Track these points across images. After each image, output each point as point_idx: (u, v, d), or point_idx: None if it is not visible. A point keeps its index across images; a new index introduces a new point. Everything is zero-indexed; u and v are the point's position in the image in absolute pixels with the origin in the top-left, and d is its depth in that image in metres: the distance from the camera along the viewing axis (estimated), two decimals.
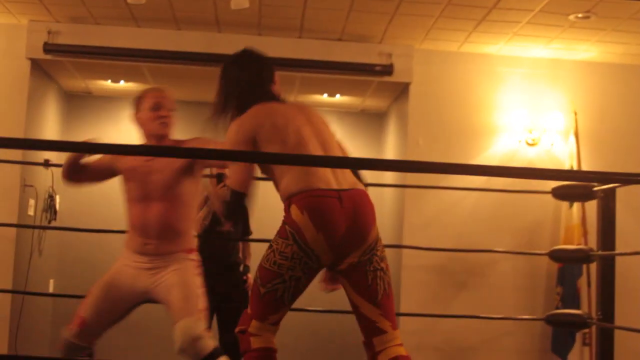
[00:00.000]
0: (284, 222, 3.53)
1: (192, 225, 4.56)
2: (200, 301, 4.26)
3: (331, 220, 3.46)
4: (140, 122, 4.52)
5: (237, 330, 3.61)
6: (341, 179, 3.56)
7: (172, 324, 4.17)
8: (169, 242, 4.37)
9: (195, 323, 4.12)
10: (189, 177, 4.42)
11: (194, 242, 4.55)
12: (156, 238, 4.35)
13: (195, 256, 4.50)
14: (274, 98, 3.85)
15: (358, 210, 3.52)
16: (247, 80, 3.87)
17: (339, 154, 3.76)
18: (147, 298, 4.38)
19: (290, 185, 3.54)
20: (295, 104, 3.95)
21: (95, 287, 4.37)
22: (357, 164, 3.53)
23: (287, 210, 3.54)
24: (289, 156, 3.52)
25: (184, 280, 4.30)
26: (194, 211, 4.58)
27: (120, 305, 4.33)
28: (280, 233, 3.53)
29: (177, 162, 4.36)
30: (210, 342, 4.16)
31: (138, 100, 4.57)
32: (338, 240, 3.47)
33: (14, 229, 7.23)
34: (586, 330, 7.16)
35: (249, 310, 3.60)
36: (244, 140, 3.65)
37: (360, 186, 3.63)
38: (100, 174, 4.62)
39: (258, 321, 3.56)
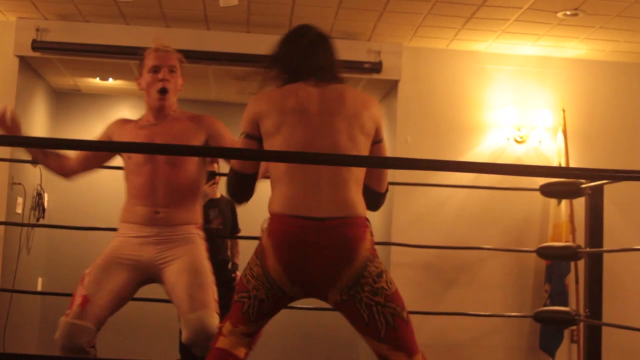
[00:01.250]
0: (260, 240, 3.25)
1: (199, 199, 4.20)
2: (214, 291, 3.92)
3: (294, 254, 3.14)
4: (142, 87, 4.15)
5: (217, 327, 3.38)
6: (329, 203, 3.17)
7: (181, 312, 3.84)
8: (178, 210, 4.02)
9: (212, 317, 3.79)
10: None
11: (201, 218, 4.21)
12: (166, 206, 3.99)
13: (202, 233, 4.16)
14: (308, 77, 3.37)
15: (334, 245, 3.13)
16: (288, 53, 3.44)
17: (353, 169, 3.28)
18: (152, 276, 4.01)
19: (272, 203, 3.25)
20: (328, 90, 3.35)
21: (94, 265, 3.98)
22: (345, 161, 3.41)
23: (264, 228, 3.25)
24: (262, 152, 3.30)
25: (197, 266, 3.95)
26: (200, 185, 4.19)
27: (123, 280, 3.93)
28: (256, 250, 3.27)
29: (183, 127, 4.06)
30: None
31: (140, 63, 4.20)
32: (301, 277, 3.16)
33: (2, 227, 7.21)
34: (574, 328, 7.19)
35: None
36: (247, 125, 3.32)
37: (355, 212, 3.20)
38: (97, 158, 4.23)
39: (231, 325, 3.29)
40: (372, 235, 3.24)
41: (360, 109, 3.30)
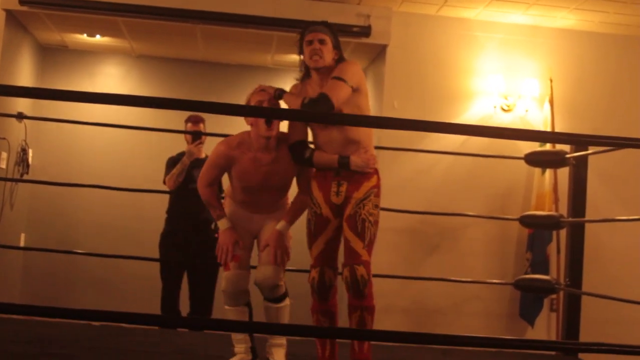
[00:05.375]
0: (376, 187, 4.62)
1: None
2: (286, 253, 4.71)
3: None
4: (250, 122, 4.66)
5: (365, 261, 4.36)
6: None
7: (260, 261, 4.69)
8: (277, 201, 4.84)
9: (277, 273, 4.63)
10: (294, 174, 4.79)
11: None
12: (266, 204, 4.82)
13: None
14: None
15: None
16: None
17: None
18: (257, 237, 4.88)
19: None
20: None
21: (236, 230, 4.76)
22: (336, 120, 3.51)
23: (377, 176, 4.67)
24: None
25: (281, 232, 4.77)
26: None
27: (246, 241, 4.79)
28: (376, 194, 4.60)
29: (292, 171, 4.72)
30: (283, 288, 4.70)
31: (246, 102, 4.74)
32: None
33: None
34: (554, 296, 7.24)
35: (368, 257, 4.39)
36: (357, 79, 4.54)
37: None
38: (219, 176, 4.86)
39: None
40: None
41: None
